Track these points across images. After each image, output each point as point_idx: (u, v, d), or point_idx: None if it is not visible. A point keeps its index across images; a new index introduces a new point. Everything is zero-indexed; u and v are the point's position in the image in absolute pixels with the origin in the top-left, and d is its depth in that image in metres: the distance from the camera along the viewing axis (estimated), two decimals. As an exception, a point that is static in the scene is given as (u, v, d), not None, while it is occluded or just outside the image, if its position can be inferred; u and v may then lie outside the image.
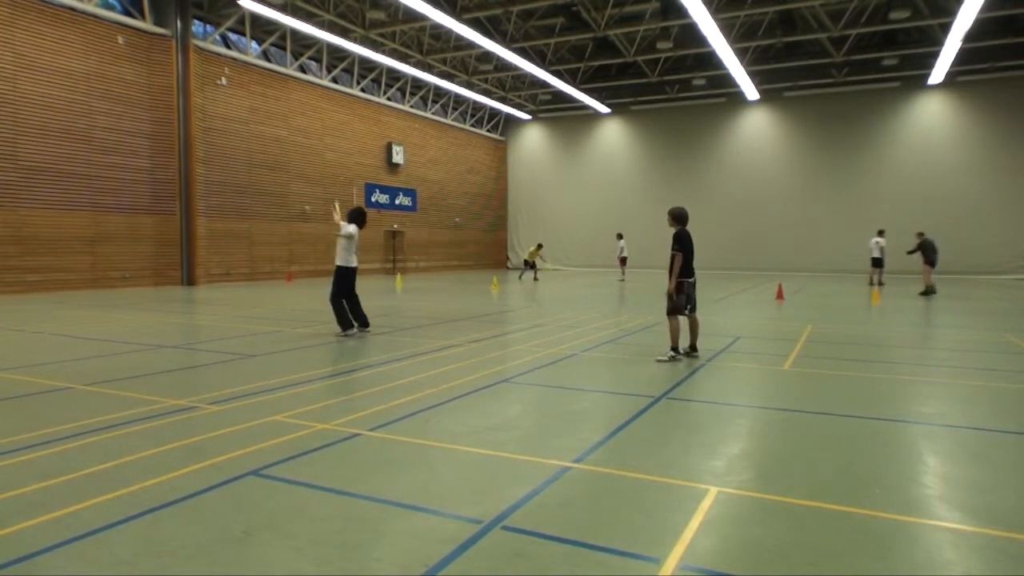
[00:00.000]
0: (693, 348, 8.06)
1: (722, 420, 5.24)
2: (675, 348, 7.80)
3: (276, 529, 3.12)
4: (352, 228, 9.78)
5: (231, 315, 12.77)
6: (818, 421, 5.26)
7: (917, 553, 2.96)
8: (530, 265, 25.54)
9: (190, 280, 21.30)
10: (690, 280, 7.94)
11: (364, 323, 9.94)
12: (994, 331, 10.81)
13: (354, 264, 9.87)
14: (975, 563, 2.86)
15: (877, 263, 21.55)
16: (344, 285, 9.74)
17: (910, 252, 18.86)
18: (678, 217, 8.03)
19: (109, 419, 5.04)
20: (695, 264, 8.02)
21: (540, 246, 26.38)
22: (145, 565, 2.78)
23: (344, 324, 9.66)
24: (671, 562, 2.81)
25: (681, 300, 7.86)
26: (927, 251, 18.24)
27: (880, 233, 22.15)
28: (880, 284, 21.47)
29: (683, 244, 7.81)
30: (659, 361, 7.70)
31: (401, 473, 3.92)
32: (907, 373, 7.26)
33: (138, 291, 18.74)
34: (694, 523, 3.20)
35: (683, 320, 8.02)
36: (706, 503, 3.45)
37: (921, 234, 18.90)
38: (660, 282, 23.90)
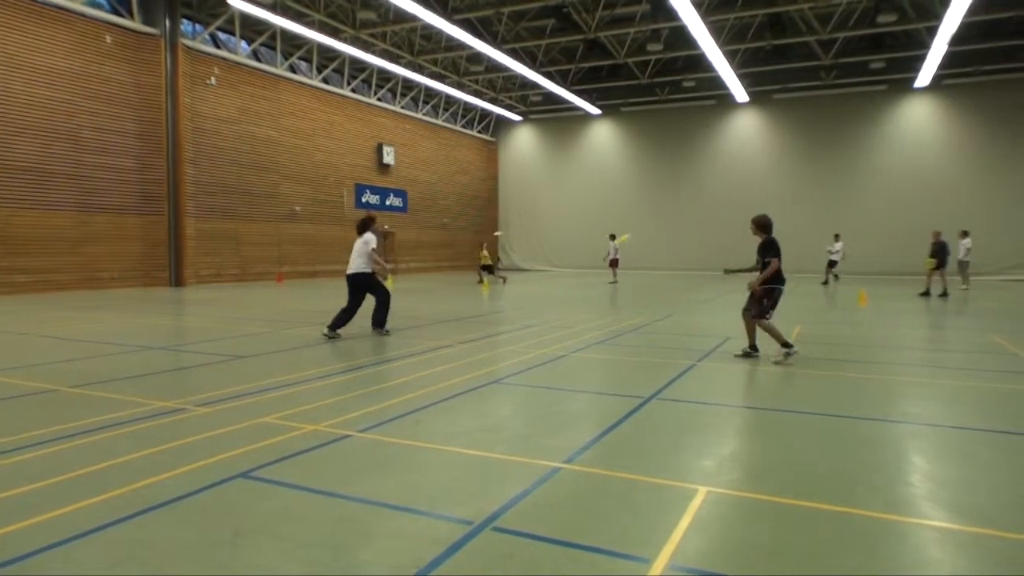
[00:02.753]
0: (753, 348, 8.05)
1: (711, 420, 5.27)
2: (785, 344, 7.68)
3: (266, 531, 3.11)
4: (368, 237, 9.69)
5: (220, 316, 12.70)
6: (807, 421, 5.30)
7: (905, 552, 2.99)
8: (489, 269, 24.36)
9: (179, 281, 21.16)
10: (781, 287, 7.91)
11: (334, 326, 9.56)
12: (980, 331, 10.92)
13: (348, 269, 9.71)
14: (962, 562, 2.89)
15: (832, 264, 23.34)
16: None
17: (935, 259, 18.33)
18: (764, 225, 8.02)
19: (97, 421, 5.01)
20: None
21: (483, 245, 25.57)
22: (134, 567, 2.76)
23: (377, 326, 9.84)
24: (660, 562, 2.82)
25: (766, 306, 7.85)
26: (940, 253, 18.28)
27: (836, 238, 23.74)
28: (824, 283, 23.21)
29: (777, 251, 7.83)
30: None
31: (391, 474, 3.91)
32: (895, 373, 7.31)
33: (126, 292, 18.61)
34: (683, 523, 3.21)
35: (744, 321, 8.11)
36: (695, 503, 3.46)
37: (938, 233, 18.86)
38: (654, 283, 23.78)
